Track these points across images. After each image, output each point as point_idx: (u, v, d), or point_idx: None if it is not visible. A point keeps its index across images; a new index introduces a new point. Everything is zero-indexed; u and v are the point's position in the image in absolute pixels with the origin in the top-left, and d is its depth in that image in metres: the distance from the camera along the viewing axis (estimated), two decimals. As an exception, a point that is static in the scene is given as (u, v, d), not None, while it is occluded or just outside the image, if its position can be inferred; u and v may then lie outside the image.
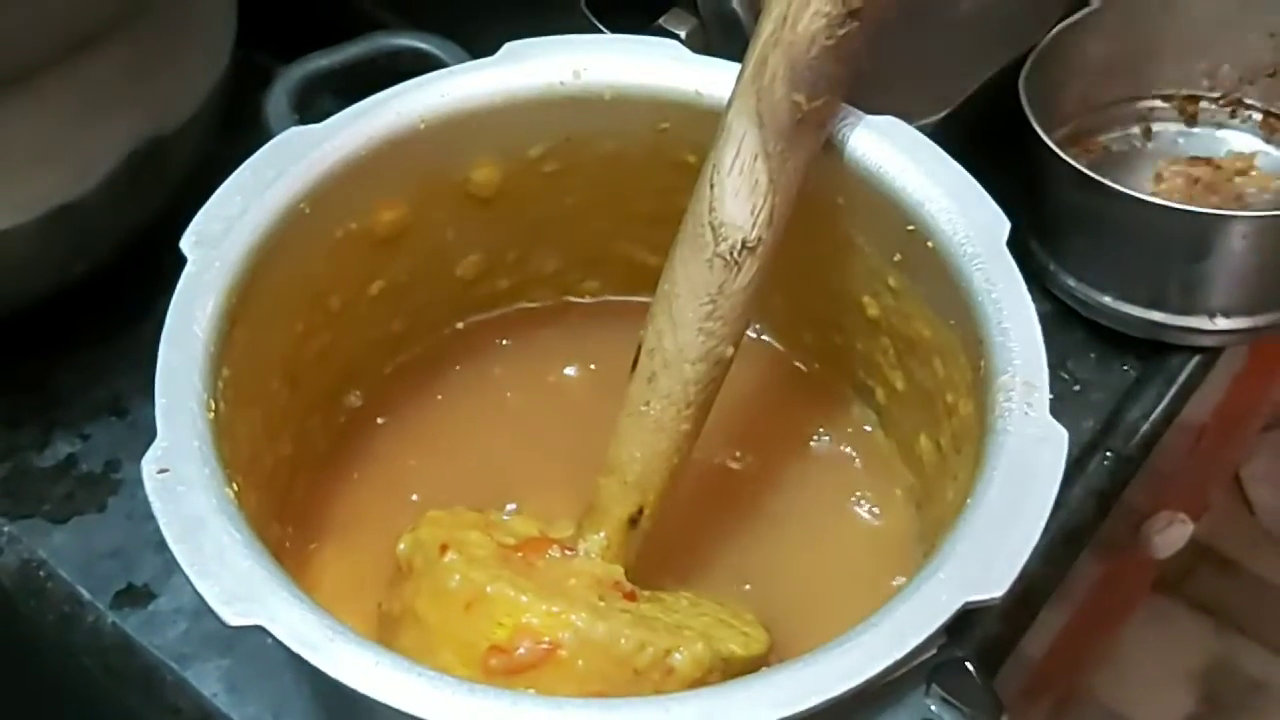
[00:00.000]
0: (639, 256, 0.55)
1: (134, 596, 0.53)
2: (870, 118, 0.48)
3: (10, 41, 0.51)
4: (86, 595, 0.53)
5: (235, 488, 0.41)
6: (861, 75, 0.47)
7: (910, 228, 0.47)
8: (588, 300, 0.58)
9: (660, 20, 0.56)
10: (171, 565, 0.53)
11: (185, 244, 0.45)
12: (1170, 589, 1.40)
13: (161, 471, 0.40)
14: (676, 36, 0.55)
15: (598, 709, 0.36)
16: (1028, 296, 0.44)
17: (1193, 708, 1.36)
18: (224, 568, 0.38)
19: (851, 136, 0.48)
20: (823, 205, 0.49)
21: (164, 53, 0.56)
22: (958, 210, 0.46)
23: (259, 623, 0.37)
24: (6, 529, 0.55)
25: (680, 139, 0.51)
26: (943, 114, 0.59)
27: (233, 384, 0.44)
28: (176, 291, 0.44)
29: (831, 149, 0.48)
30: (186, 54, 0.58)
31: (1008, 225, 0.46)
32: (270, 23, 0.62)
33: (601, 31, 0.56)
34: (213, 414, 0.42)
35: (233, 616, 0.37)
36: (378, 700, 0.36)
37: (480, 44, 0.52)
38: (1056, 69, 0.61)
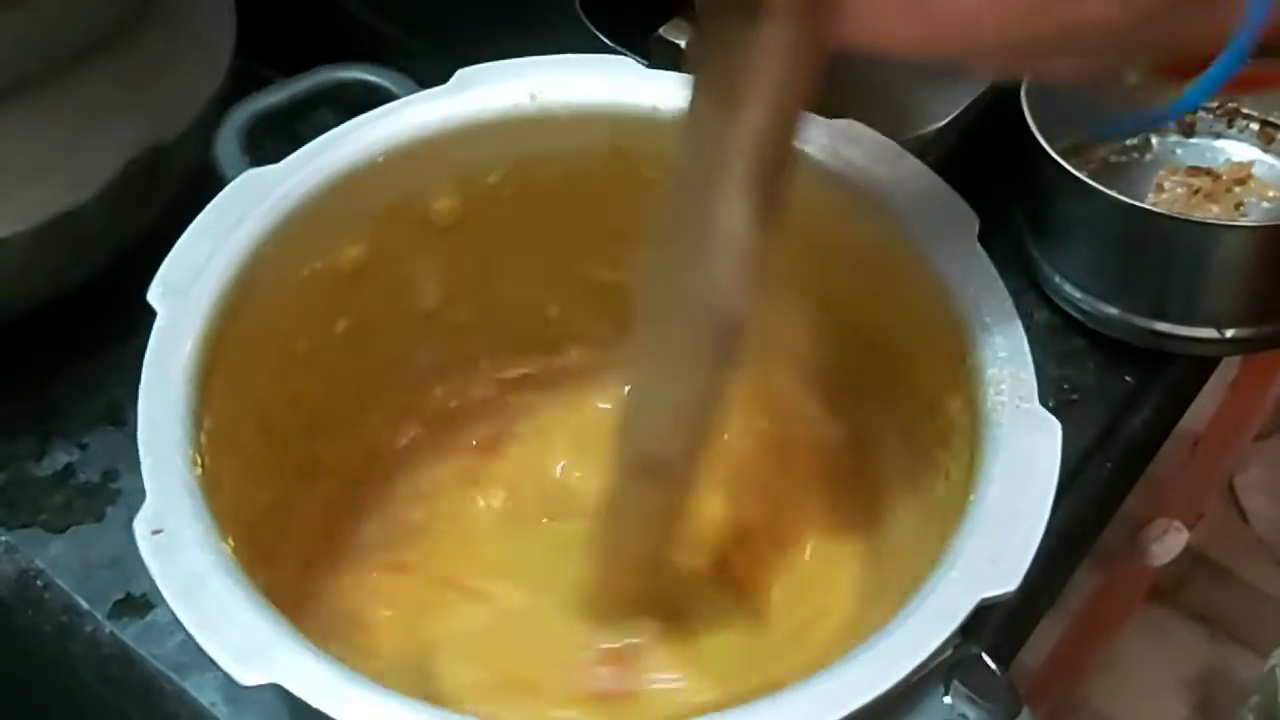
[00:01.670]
0: (599, 275, 0.55)
1: (132, 606, 0.53)
2: (831, 121, 0.48)
3: (10, 51, 0.51)
4: (84, 605, 0.53)
5: (231, 543, 0.40)
6: (859, 86, 0.47)
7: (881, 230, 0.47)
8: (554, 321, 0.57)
9: (660, 31, 0.56)
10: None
11: (153, 296, 0.45)
12: (1165, 597, 1.40)
13: (155, 532, 0.39)
14: (676, 46, 0.55)
15: None
16: (1004, 289, 0.44)
17: (1187, 715, 1.36)
18: (229, 624, 0.37)
19: (817, 141, 0.48)
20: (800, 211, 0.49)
21: (163, 62, 0.56)
22: (928, 208, 0.46)
23: (274, 680, 0.36)
24: (4, 538, 0.55)
25: (639, 155, 0.50)
26: (940, 124, 0.59)
27: (215, 435, 0.43)
28: (149, 346, 0.43)
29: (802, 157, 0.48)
30: (185, 63, 0.58)
31: (977, 220, 0.46)
32: (269, 33, 0.62)
33: (603, 42, 0.56)
34: (200, 469, 0.41)
35: (246, 676, 0.36)
36: None
37: (475, 57, 0.52)
38: (1055, 80, 0.61)
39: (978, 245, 0.45)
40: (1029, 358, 0.43)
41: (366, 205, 0.50)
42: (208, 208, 0.47)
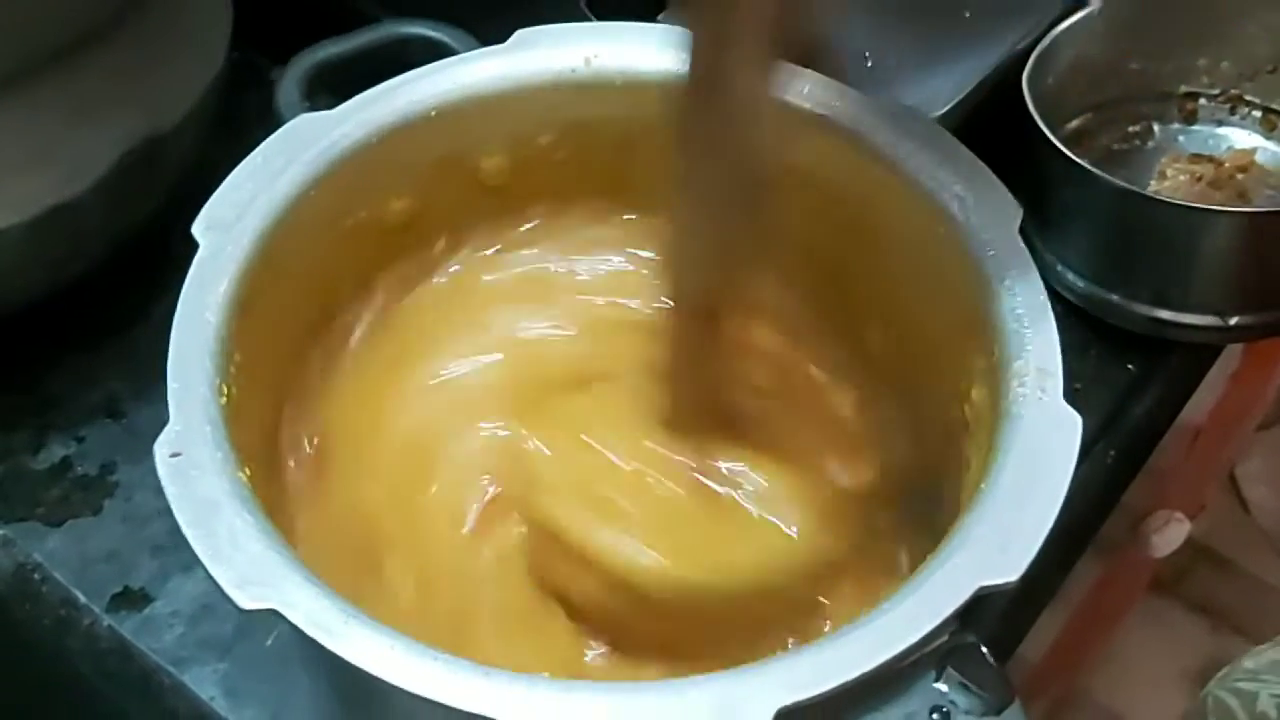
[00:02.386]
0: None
1: (130, 599, 0.53)
2: (886, 105, 0.48)
3: (3, 43, 0.50)
4: (82, 599, 0.53)
5: (248, 472, 0.40)
6: (864, 70, 0.47)
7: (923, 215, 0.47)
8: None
9: (659, 17, 0.56)
10: (168, 568, 0.52)
11: (197, 229, 0.45)
12: (1167, 589, 1.40)
13: (174, 455, 0.39)
14: (675, 34, 0.55)
15: (610, 692, 0.36)
16: (1040, 283, 0.44)
17: (1188, 708, 1.36)
18: (237, 551, 0.38)
19: (870, 124, 0.48)
20: (846, 191, 0.49)
21: (159, 53, 0.56)
22: (971, 196, 0.46)
23: (273, 607, 0.36)
24: (1, 532, 0.54)
25: None
26: (941, 111, 0.59)
27: (245, 369, 0.43)
28: (188, 276, 0.44)
29: (851, 136, 0.48)
30: (181, 54, 0.57)
31: (1020, 211, 0.46)
32: (266, 22, 0.62)
33: (600, 25, 0.56)
34: (225, 399, 0.41)
35: (246, 600, 0.36)
36: (393, 684, 0.35)
37: (478, 38, 0.52)
38: (1057, 69, 0.61)
39: (1018, 236, 0.45)
40: (1057, 350, 0.43)
41: (416, 158, 0.50)
42: (259, 148, 0.47)
